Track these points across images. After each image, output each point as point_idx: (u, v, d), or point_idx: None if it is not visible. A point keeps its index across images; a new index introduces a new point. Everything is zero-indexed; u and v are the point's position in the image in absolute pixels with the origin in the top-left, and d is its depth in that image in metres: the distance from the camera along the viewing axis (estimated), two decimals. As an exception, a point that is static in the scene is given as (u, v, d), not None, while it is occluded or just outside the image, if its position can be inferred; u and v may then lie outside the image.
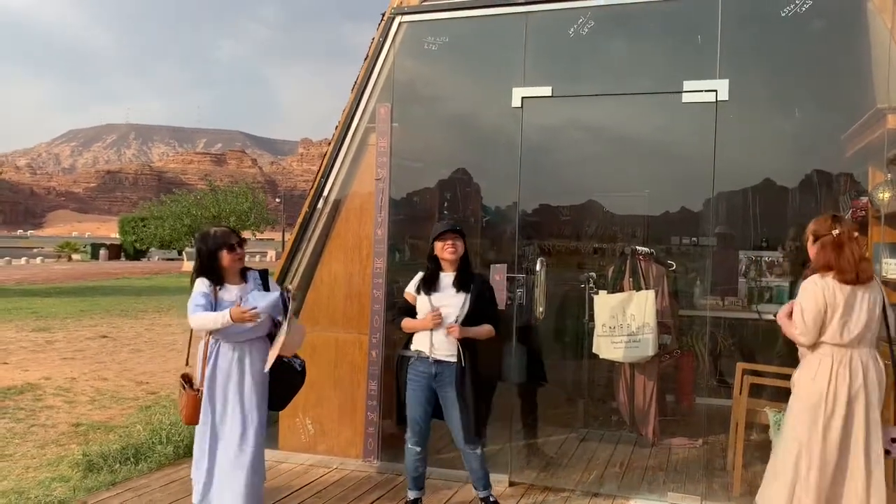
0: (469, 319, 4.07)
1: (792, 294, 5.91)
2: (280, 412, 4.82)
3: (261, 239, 48.64)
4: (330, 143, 5.44)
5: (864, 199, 4.76)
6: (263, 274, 4.14)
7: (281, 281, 5.22)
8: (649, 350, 5.31)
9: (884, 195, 4.32)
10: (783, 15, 4.50)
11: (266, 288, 4.06)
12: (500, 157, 5.37)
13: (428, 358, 4.09)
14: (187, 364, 4.10)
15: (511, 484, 4.86)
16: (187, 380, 3.95)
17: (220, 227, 4.07)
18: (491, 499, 4.23)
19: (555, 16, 4.96)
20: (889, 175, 4.37)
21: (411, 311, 4.20)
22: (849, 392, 3.35)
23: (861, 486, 3.34)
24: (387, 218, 5.22)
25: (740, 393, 4.77)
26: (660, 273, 5.72)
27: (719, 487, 4.72)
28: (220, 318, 3.71)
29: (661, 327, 5.49)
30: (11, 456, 5.36)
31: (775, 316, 3.76)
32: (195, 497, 3.96)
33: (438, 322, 4.04)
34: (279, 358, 3.95)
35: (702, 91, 4.59)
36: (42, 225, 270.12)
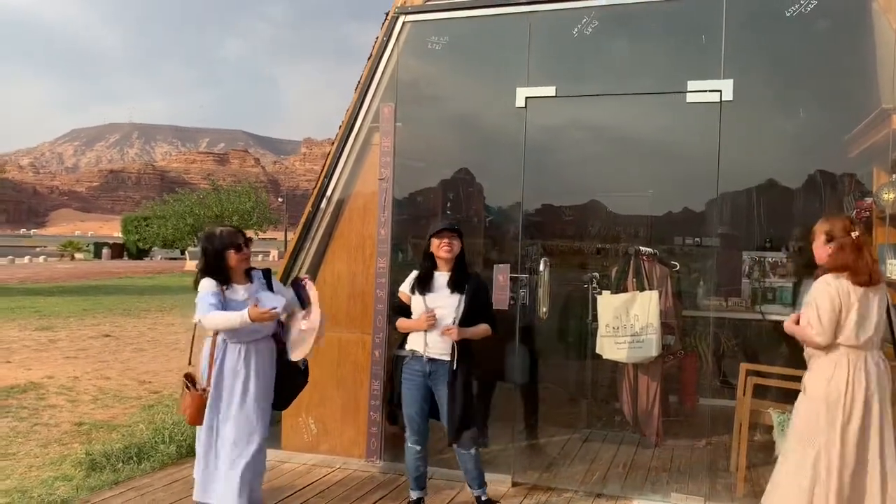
0: (465, 320, 4.06)
1: (795, 294, 5.91)
2: (283, 412, 4.81)
3: (263, 238, 48.67)
4: (333, 143, 5.43)
5: (869, 200, 4.75)
6: (267, 273, 4.14)
7: (284, 280, 5.22)
8: (653, 351, 5.29)
9: (888, 196, 4.31)
10: (788, 15, 4.49)
11: (270, 287, 4.06)
12: (503, 156, 5.36)
13: (422, 357, 4.09)
14: (190, 364, 4.10)
15: (514, 484, 4.86)
16: (191, 380, 3.94)
17: (225, 226, 4.05)
18: (483, 497, 4.24)
19: (559, 15, 4.96)
20: (894, 176, 4.36)
21: (405, 310, 4.20)
22: (865, 394, 3.34)
23: (877, 488, 3.33)
24: (390, 218, 5.22)
25: (744, 394, 4.76)
26: (663, 273, 5.70)
27: (723, 488, 4.71)
28: (239, 317, 3.69)
29: (665, 328, 5.47)
30: (14, 455, 5.37)
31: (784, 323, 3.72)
32: (196, 495, 3.96)
33: (432, 324, 4.03)
34: (283, 356, 3.98)
35: (706, 91, 4.58)
36: (45, 224, 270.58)
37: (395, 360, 4.28)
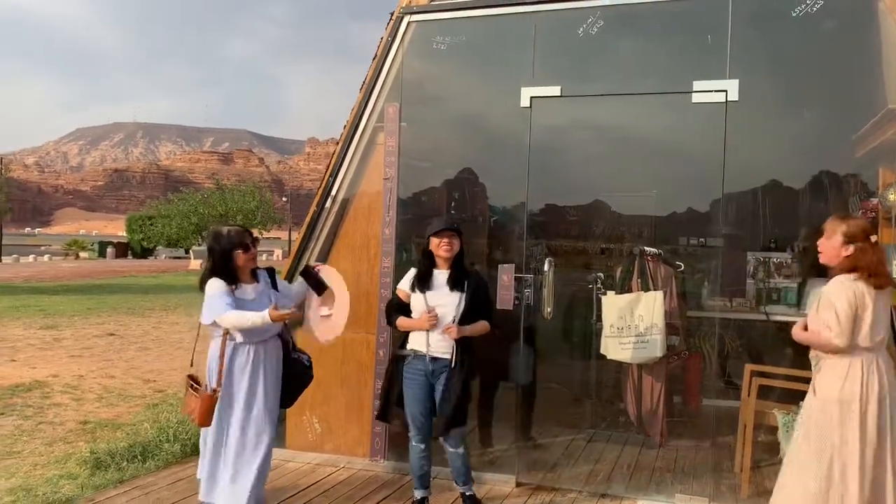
0: (465, 318, 4.07)
1: (800, 295, 5.89)
2: (287, 410, 4.80)
3: (267, 238, 48.77)
4: (338, 143, 5.44)
5: (874, 201, 4.73)
6: (271, 272, 4.13)
7: (289, 280, 5.22)
8: (657, 351, 5.28)
9: (894, 196, 4.30)
10: (794, 15, 4.48)
11: (275, 286, 4.06)
12: (508, 156, 5.35)
13: (425, 356, 4.09)
14: (192, 364, 4.09)
15: (518, 484, 4.86)
16: (195, 381, 3.91)
17: (232, 226, 4.04)
18: (468, 493, 4.25)
19: (564, 15, 4.95)
20: (900, 176, 4.35)
21: (404, 308, 4.20)
22: (879, 394, 3.32)
23: (892, 488, 3.31)
24: (395, 217, 5.22)
25: (748, 395, 4.75)
26: (668, 274, 5.70)
27: (727, 489, 4.70)
28: (261, 318, 3.68)
29: (669, 328, 5.46)
30: (19, 453, 5.38)
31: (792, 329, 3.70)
32: (201, 495, 3.96)
33: (434, 323, 4.03)
34: (288, 353, 4.01)
35: (711, 91, 4.58)
36: (50, 223, 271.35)
37: (395, 359, 4.27)
